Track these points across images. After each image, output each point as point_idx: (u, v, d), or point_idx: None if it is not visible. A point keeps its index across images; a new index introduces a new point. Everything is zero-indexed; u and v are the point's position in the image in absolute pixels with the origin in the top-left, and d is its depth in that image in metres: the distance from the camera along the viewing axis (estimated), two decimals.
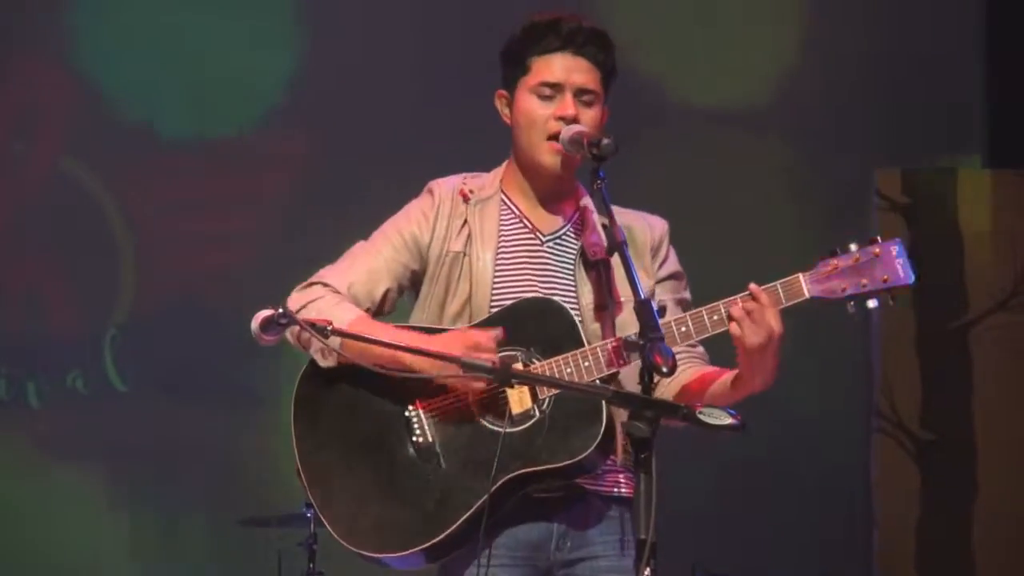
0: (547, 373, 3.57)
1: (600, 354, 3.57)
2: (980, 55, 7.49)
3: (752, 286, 3.52)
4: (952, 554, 7.14)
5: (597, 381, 3.56)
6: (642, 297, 3.37)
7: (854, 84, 7.44)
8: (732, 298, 3.54)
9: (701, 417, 3.10)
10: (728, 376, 3.63)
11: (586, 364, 3.57)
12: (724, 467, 7.15)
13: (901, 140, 7.45)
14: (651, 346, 3.24)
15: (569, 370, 3.58)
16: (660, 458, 3.13)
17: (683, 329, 3.56)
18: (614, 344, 3.57)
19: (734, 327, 3.50)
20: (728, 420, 3.09)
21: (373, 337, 3.52)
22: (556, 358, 3.58)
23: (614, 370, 3.58)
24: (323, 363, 3.66)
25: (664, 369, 3.22)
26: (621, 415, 3.48)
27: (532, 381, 3.54)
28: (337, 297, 3.71)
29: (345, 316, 3.62)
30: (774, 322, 3.49)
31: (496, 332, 3.57)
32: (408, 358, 3.54)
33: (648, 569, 3.10)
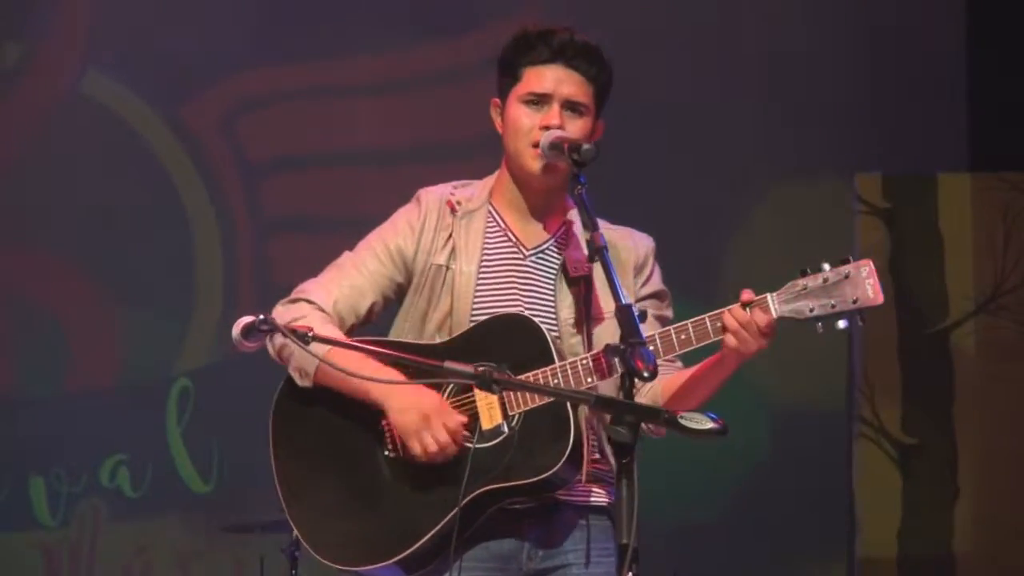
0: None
1: (579, 367, 3.58)
2: (962, 59, 7.49)
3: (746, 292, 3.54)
4: (934, 559, 7.14)
5: None
6: (623, 302, 3.37)
7: (835, 87, 7.44)
8: (718, 312, 3.54)
9: (683, 422, 3.10)
10: (710, 360, 3.63)
11: (557, 379, 3.56)
12: (703, 473, 7.14)
13: (882, 144, 7.45)
14: (632, 350, 3.26)
15: (556, 382, 3.57)
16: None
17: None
18: (594, 357, 3.57)
19: (729, 339, 3.52)
20: (710, 425, 3.10)
21: (350, 370, 3.52)
22: (532, 372, 3.57)
23: (592, 384, 3.58)
24: (300, 383, 3.70)
25: (645, 374, 3.24)
26: (592, 430, 3.61)
27: (515, 387, 3.54)
28: (321, 316, 3.72)
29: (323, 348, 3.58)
30: (764, 340, 3.53)
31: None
32: (376, 393, 3.59)
33: (630, 575, 3.10)
